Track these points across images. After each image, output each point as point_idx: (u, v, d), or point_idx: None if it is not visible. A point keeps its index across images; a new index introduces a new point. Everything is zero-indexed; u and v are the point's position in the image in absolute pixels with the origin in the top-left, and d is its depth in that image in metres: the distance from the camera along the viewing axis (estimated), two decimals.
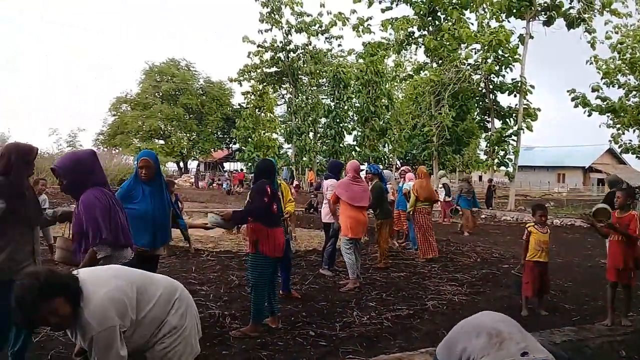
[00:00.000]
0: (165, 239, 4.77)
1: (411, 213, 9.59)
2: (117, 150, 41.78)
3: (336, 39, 32.50)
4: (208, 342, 4.50)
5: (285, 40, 32.13)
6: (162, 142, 47.78)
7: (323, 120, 32.22)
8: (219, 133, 51.12)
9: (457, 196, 14.60)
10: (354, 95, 29.08)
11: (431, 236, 9.27)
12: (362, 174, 8.41)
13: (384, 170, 9.48)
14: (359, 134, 28.83)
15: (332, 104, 30.50)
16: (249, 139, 32.20)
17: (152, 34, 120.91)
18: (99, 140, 48.80)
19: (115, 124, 48.19)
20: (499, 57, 21.82)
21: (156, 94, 48.18)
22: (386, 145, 29.79)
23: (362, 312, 5.77)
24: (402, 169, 11.14)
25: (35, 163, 3.90)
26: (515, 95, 22.34)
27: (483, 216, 19.28)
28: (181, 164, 53.61)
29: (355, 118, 30.19)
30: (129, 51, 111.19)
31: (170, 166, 51.42)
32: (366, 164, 26.77)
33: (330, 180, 8.21)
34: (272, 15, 30.97)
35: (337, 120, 29.73)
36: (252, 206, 5.07)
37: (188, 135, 48.66)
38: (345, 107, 30.21)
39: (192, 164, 56.15)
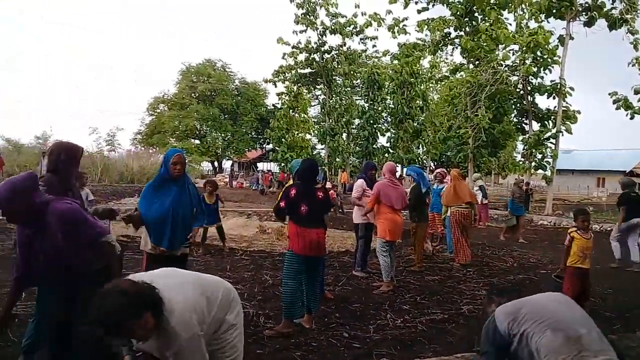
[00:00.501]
0: (184, 239, 4.75)
1: (447, 216, 9.44)
2: (154, 150, 42.64)
3: (370, 40, 32.41)
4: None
5: (320, 41, 32.19)
6: (197, 141, 48.52)
7: (357, 121, 32.17)
8: (253, 133, 51.60)
9: (510, 201, 14.17)
10: (388, 97, 28.93)
11: (466, 240, 9.04)
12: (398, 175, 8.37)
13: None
14: (393, 135, 28.67)
15: (366, 105, 30.40)
16: (283, 140, 32.36)
17: (152, 34, 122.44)
18: (137, 140, 49.88)
19: (152, 124, 49.16)
20: (538, 58, 21.42)
21: (192, 94, 48.95)
22: (420, 147, 29.54)
23: (396, 315, 5.73)
24: (437, 171, 11.00)
25: (80, 162, 4.03)
26: (554, 97, 21.87)
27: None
28: (216, 164, 54.30)
29: (389, 119, 30.02)
30: (129, 51, 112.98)
31: (205, 165, 52.16)
32: (399, 165, 26.61)
33: (360, 181, 8.15)
34: (307, 16, 31.08)
35: (371, 121, 29.63)
36: (274, 209, 5.40)
37: (223, 135, 49.25)
38: (379, 108, 30.06)
39: (227, 164, 56.84)
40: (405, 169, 10.18)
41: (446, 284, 7.43)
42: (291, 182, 6.21)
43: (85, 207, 4.07)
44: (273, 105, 45.13)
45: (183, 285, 2.50)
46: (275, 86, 34.62)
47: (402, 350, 4.64)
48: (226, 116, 48.49)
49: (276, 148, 34.96)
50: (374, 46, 34.13)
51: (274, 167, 46.00)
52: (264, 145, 53.19)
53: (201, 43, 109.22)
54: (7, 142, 32.31)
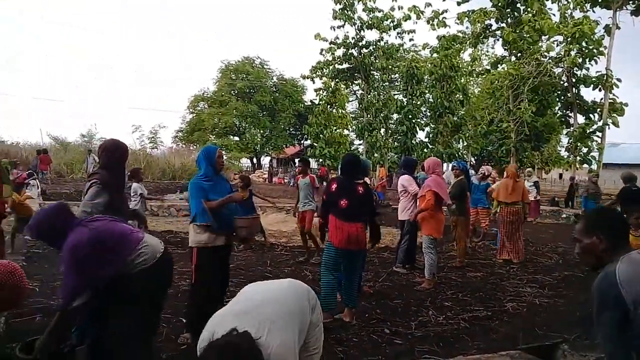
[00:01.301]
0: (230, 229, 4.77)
1: (496, 213, 9.22)
2: (194, 147, 43.37)
3: (408, 34, 32.05)
4: None
5: (358, 36, 32.02)
6: (236, 138, 49.03)
7: (395, 116, 31.87)
8: (291, 129, 51.80)
9: (583, 198, 13.71)
10: (427, 91, 28.57)
11: (513, 238, 8.74)
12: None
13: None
14: (432, 130, 28.31)
15: (405, 99, 30.10)
16: (321, 136, 32.37)
17: (151, 34, 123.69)
18: (178, 137, 50.79)
19: (193, 121, 49.95)
20: (583, 49, 20.77)
21: (231, 91, 49.47)
22: (460, 141, 29.07)
23: (438, 312, 5.66)
24: (484, 168, 10.84)
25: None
26: (600, 90, 21.18)
27: (564, 216, 18.39)
28: (254, 160, 54.81)
29: (428, 114, 29.66)
30: (128, 51, 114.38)
31: (244, 162, 52.70)
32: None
33: (404, 177, 8.06)
34: (345, 11, 30.96)
35: (410, 116, 29.31)
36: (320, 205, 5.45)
37: (261, 131, 49.60)
38: (418, 103, 29.72)
39: (265, 160, 57.27)
40: (450, 164, 10.09)
41: (489, 281, 7.30)
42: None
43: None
44: (311, 101, 45.18)
45: (283, 323, 2.39)
46: (313, 82, 34.57)
47: (444, 347, 4.58)
48: (264, 113, 48.80)
49: (314, 144, 34.97)
50: (411, 39, 33.81)
51: (312, 163, 46.09)
52: (302, 142, 53.35)
53: (242, 40, 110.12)
54: (54, 140, 33.33)
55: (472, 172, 12.69)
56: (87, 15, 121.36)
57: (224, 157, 5.02)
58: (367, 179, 6.76)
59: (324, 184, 8.33)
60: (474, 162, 34.37)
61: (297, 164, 10.13)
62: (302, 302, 2.65)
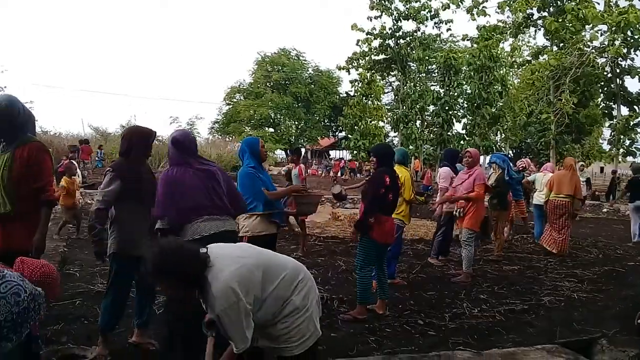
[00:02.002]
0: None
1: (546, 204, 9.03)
2: (230, 138, 43.81)
3: (445, 24, 31.57)
4: None
5: (395, 26, 31.69)
6: (271, 129, 49.32)
7: (431, 107, 31.44)
8: (325, 121, 51.80)
9: None
10: (464, 82, 28.04)
11: (560, 230, 8.54)
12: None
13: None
14: (469, 122, 27.82)
15: (442, 90, 29.65)
16: (355, 127, 32.25)
17: (225, 23, 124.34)
18: (214, 129, 51.42)
19: (229, 113, 50.47)
20: (628, 38, 20.08)
21: (267, 83, 49.74)
22: (498, 133, 28.51)
23: (473, 304, 5.59)
24: (524, 160, 10.74)
25: (152, 146, 4.13)
26: None
27: (605, 210, 17.91)
28: (289, 152, 55.06)
29: (466, 105, 29.11)
30: (167, 42, 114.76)
31: (279, 153, 52.98)
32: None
33: (445, 169, 7.93)
34: (382, 1, 30.69)
35: (446, 107, 28.83)
36: (368, 201, 5.12)
37: (296, 123, 49.76)
38: (455, 94, 29.21)
39: (302, 151, 57.46)
40: (488, 157, 10.02)
41: (526, 274, 7.17)
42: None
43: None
44: (346, 92, 45.06)
45: (238, 258, 2.55)
46: (349, 73, 34.42)
47: (479, 339, 4.53)
48: (300, 104, 48.91)
49: (349, 136, 34.88)
50: (449, 29, 33.13)
51: (346, 154, 46.01)
52: (337, 133, 53.31)
53: (279, 31, 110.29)
54: (95, 130, 34.14)
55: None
56: (126, 5, 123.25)
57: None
58: (406, 169, 6.63)
59: (355, 176, 8.23)
60: (512, 154, 33.64)
61: (289, 155, 10.05)
62: (283, 268, 2.64)
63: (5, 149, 3.49)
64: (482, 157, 23.42)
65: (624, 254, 8.90)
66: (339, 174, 32.99)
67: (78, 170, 13.76)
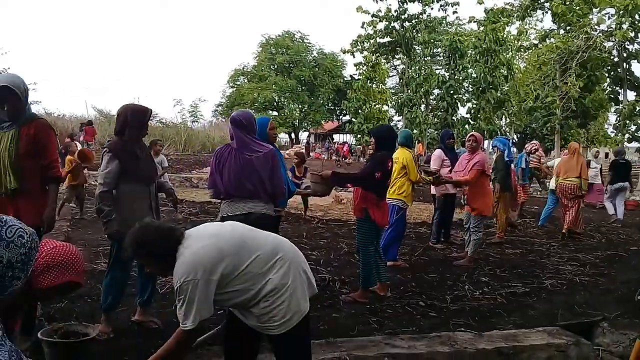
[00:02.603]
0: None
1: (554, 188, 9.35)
2: None
3: (452, 6, 31.26)
4: (319, 304, 4.61)
5: (400, 9, 31.39)
6: (275, 113, 49.21)
7: (436, 91, 31.25)
8: (329, 105, 51.60)
9: None
10: (470, 65, 27.80)
11: (570, 210, 8.75)
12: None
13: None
14: (474, 106, 27.62)
15: (447, 74, 29.43)
16: (359, 111, 32.11)
17: (227, 5, 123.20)
18: (218, 111, 51.37)
19: (232, 96, 50.33)
20: (636, 22, 19.80)
21: (271, 66, 49.51)
22: (503, 118, 28.32)
23: (475, 287, 5.59)
24: (535, 142, 10.89)
25: (149, 124, 4.09)
26: None
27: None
28: (292, 135, 54.94)
29: (471, 89, 28.90)
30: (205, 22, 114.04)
31: (283, 136, 52.93)
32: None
33: (438, 151, 7.93)
34: None
35: (451, 91, 28.63)
36: (360, 175, 5.18)
37: (300, 106, 49.62)
38: (460, 78, 28.99)
39: (303, 135, 57.36)
40: (491, 141, 10.15)
41: (528, 258, 7.17)
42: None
43: (156, 173, 4.22)
44: (350, 76, 44.82)
45: (209, 236, 2.59)
46: (354, 56, 34.15)
47: (480, 321, 4.53)
48: (304, 87, 48.71)
49: (353, 119, 34.78)
50: (455, 12, 32.81)
51: (350, 138, 45.94)
52: (341, 117, 53.13)
53: (283, 13, 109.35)
54: (98, 112, 34.13)
55: (514, 149, 12.49)
56: None
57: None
58: (409, 151, 6.60)
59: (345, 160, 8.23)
60: (517, 139, 33.51)
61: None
62: (251, 240, 2.65)
63: (11, 126, 3.49)
64: (485, 142, 23.28)
65: (627, 239, 8.89)
66: (342, 158, 32.95)
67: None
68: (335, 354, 3.52)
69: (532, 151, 11.08)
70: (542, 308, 4.97)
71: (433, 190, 7.99)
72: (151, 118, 4.12)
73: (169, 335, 3.79)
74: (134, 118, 3.90)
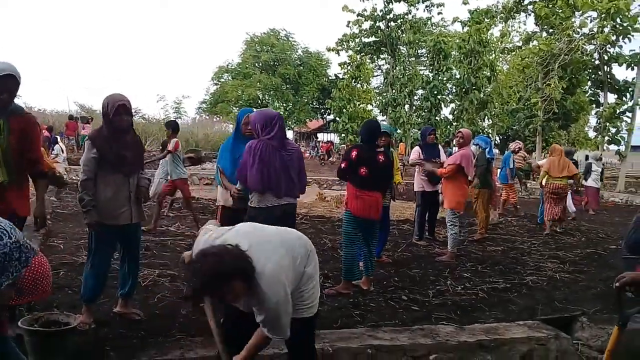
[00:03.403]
0: None
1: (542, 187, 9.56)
2: (218, 118, 43.52)
3: (437, 7, 31.46)
4: None
5: (386, 8, 31.48)
6: None
7: (420, 92, 31.40)
8: (314, 103, 51.53)
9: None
10: (454, 66, 27.99)
11: (558, 206, 9.04)
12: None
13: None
14: (457, 107, 27.81)
15: (431, 75, 29.59)
16: (344, 110, 32.11)
17: (213, 2, 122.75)
18: (202, 108, 51.00)
19: (217, 93, 50.05)
20: (617, 26, 20.07)
21: (256, 64, 49.32)
22: (485, 119, 28.54)
23: (456, 282, 5.65)
24: (518, 142, 11.11)
25: (127, 116, 3.87)
26: (632, 69, 20.54)
27: None
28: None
29: (454, 90, 29.09)
30: (190, 20, 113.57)
31: None
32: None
33: (416, 147, 8.09)
34: None
35: (435, 92, 28.78)
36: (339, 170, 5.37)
37: (285, 104, 49.48)
38: (444, 79, 29.16)
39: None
40: (474, 139, 10.27)
41: (509, 255, 7.25)
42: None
43: (140, 166, 4.07)
44: (335, 75, 44.85)
45: (272, 247, 2.57)
46: (339, 55, 34.13)
47: (462, 315, 4.58)
48: (288, 86, 48.59)
49: (337, 118, 34.77)
50: (439, 13, 33.02)
51: (334, 137, 45.99)
52: (325, 116, 53.12)
53: (268, 10, 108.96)
54: (80, 108, 33.62)
55: (495, 151, 12.64)
56: None
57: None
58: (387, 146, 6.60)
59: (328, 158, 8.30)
60: (499, 141, 33.82)
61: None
62: (300, 246, 2.73)
63: None
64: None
65: (606, 238, 9.03)
66: (326, 157, 33.01)
67: (62, 145, 13.61)
68: (318, 346, 3.52)
69: (516, 150, 11.23)
70: (522, 303, 5.04)
71: (415, 187, 8.05)
72: (126, 110, 3.93)
73: (152, 326, 3.82)
74: (107, 108, 3.81)
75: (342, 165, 5.26)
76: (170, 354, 3.32)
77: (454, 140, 7.22)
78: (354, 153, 5.18)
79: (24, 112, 3.65)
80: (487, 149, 8.28)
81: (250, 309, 2.56)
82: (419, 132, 30.45)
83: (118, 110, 3.80)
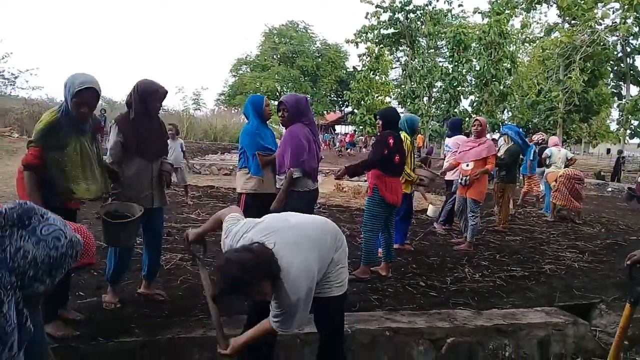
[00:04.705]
0: None
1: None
2: (236, 110, 43.69)
3: None
4: None
5: (405, 0, 31.31)
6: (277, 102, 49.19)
7: (439, 84, 31.22)
8: (332, 95, 51.57)
9: None
10: (473, 58, 27.75)
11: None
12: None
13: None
14: (477, 99, 27.60)
15: (450, 66, 29.39)
16: (362, 102, 32.10)
17: None
18: (220, 100, 51.31)
19: (235, 85, 50.29)
20: None
21: (274, 56, 49.44)
22: (505, 111, 28.29)
23: (474, 270, 5.66)
24: (538, 136, 11.16)
25: (160, 104, 3.97)
26: None
27: (609, 189, 17.92)
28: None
29: (474, 82, 28.86)
30: (209, 12, 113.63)
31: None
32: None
33: (452, 138, 8.04)
34: None
35: (455, 84, 28.60)
36: (370, 159, 5.25)
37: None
38: (464, 71, 28.94)
39: None
40: (502, 128, 10.27)
41: (527, 245, 7.23)
42: None
43: (164, 152, 4.13)
44: (353, 67, 44.76)
45: (298, 243, 2.55)
46: (357, 47, 34.24)
47: (479, 301, 4.60)
48: (306, 78, 48.65)
49: (355, 110, 34.78)
50: (460, 5, 32.85)
51: (351, 129, 45.95)
52: (343, 108, 53.11)
53: (284, 3, 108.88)
54: (101, 99, 34.01)
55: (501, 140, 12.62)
56: None
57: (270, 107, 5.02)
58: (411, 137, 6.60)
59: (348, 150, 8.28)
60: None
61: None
62: (325, 234, 2.72)
63: (87, 128, 3.51)
64: (488, 135, 23.28)
65: (626, 229, 8.94)
66: (344, 149, 32.98)
67: None
68: None
69: (540, 142, 11.11)
70: (540, 291, 5.04)
71: (448, 175, 8.02)
72: (160, 97, 4.00)
73: (175, 306, 3.92)
74: (143, 93, 3.85)
75: (384, 151, 5.04)
76: (194, 333, 3.41)
77: (472, 129, 7.17)
78: (390, 140, 5.11)
79: (98, 119, 3.77)
80: (520, 141, 8.28)
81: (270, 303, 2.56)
82: (438, 124, 30.38)
83: (147, 98, 3.83)
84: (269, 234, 2.55)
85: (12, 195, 7.82)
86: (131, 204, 3.78)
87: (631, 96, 20.93)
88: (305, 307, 2.51)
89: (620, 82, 22.53)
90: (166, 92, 3.96)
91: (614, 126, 24.55)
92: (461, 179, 6.93)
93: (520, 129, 9.27)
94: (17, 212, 1.53)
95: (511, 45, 26.51)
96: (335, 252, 2.73)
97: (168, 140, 4.43)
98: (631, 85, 21.41)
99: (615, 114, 24.72)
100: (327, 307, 2.77)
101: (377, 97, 32.54)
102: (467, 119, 28.00)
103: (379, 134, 5.42)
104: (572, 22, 22.26)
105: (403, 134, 6.24)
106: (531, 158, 10.47)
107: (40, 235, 1.51)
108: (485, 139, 6.90)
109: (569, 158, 10.27)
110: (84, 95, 3.28)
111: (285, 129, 4.39)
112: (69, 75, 3.38)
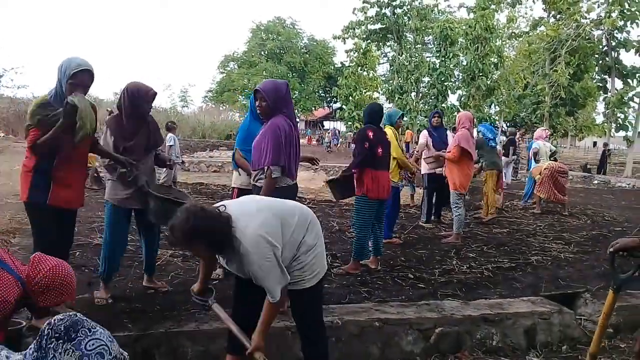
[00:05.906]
0: None
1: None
2: (224, 107, 43.61)
3: None
4: None
5: None
6: None
7: (426, 79, 31.29)
8: (320, 91, 51.59)
9: None
10: (460, 53, 27.84)
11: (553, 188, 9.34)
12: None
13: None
14: (464, 93, 27.71)
15: (437, 61, 29.46)
16: (350, 98, 32.08)
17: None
18: (208, 97, 51.18)
19: (223, 82, 50.14)
20: (625, 11, 19.96)
21: (261, 52, 49.34)
22: (492, 106, 28.43)
23: (462, 262, 5.75)
24: (543, 130, 11.55)
25: (150, 105, 4.04)
26: None
27: (595, 182, 18.16)
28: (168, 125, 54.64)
29: (461, 77, 28.95)
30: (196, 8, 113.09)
31: None
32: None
33: (424, 132, 8.19)
34: None
35: (442, 79, 28.65)
36: (356, 158, 5.25)
37: (291, 93, 49.45)
38: (451, 66, 29.01)
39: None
40: (478, 126, 10.33)
41: (514, 237, 7.33)
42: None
43: (148, 152, 4.17)
44: (341, 63, 44.80)
45: (257, 210, 2.66)
46: (344, 42, 34.20)
47: (467, 292, 4.68)
48: (294, 74, 48.61)
49: (343, 106, 34.76)
50: (445, 0, 32.93)
51: (340, 125, 46.03)
52: (331, 104, 53.16)
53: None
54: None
55: (502, 137, 12.79)
56: None
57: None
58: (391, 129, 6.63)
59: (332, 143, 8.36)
60: (506, 127, 33.78)
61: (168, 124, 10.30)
62: (294, 210, 2.79)
63: None
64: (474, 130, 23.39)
65: (611, 220, 9.08)
66: (331, 143, 33.08)
67: None
68: (327, 319, 3.64)
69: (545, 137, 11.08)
70: (527, 281, 5.13)
71: (422, 170, 8.14)
72: (150, 99, 4.04)
73: (167, 300, 3.96)
74: (129, 96, 3.91)
75: (365, 145, 5.09)
76: (186, 326, 3.44)
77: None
78: (370, 133, 5.16)
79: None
80: (490, 140, 8.44)
81: (245, 273, 2.65)
82: (425, 119, 30.53)
83: (135, 101, 3.89)
84: (233, 204, 2.74)
85: (4, 193, 7.81)
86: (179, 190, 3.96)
87: (616, 90, 21.14)
88: (273, 269, 2.56)
89: (606, 76, 22.71)
90: (155, 93, 4.02)
91: (599, 119, 24.76)
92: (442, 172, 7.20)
93: (497, 130, 9.56)
94: (65, 324, 1.54)
95: (497, 39, 26.64)
96: (307, 232, 2.75)
97: (169, 135, 4.53)
98: (616, 79, 21.59)
99: (600, 107, 24.97)
100: (302, 299, 2.83)
101: (365, 92, 32.52)
102: (455, 113, 28.13)
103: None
104: (558, 15, 22.41)
105: (388, 128, 6.32)
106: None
107: (84, 350, 1.51)
108: (460, 132, 7.03)
109: (552, 151, 10.41)
110: (80, 77, 3.41)
111: (266, 121, 3.86)
112: (63, 59, 3.48)
